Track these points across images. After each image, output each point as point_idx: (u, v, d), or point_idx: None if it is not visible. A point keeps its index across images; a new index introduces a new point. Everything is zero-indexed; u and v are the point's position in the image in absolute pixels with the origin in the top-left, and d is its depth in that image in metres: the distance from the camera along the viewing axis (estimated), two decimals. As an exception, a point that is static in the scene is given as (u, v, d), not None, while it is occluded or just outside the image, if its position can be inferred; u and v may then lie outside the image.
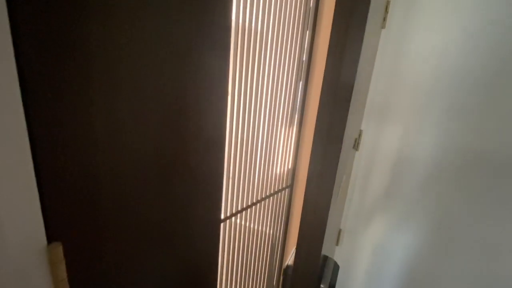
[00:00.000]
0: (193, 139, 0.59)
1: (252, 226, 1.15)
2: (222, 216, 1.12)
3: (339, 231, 1.84)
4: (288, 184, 1.23)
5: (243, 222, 1.24)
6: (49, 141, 0.37)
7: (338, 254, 1.88)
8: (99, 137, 0.42)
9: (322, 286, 0.57)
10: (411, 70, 1.45)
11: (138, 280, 0.56)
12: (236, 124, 0.93)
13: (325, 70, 0.78)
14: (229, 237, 1.11)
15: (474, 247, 1.52)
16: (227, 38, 0.62)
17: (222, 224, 1.10)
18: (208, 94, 0.60)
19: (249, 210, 1.10)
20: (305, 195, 0.72)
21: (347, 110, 0.72)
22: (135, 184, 0.50)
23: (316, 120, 0.75)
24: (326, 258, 0.64)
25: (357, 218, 1.77)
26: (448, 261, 1.56)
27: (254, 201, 1.10)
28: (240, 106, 0.93)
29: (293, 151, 1.20)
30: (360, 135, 1.58)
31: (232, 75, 0.86)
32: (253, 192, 1.09)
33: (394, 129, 1.54)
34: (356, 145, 1.19)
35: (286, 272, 0.62)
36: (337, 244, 1.84)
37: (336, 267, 0.64)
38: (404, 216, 1.60)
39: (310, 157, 0.76)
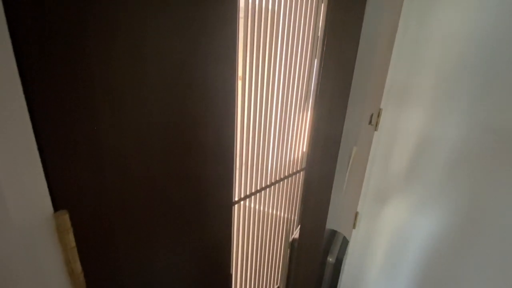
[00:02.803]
0: (203, 119, 0.58)
1: (265, 208, 1.14)
2: (236, 198, 1.12)
3: (356, 214, 1.78)
4: (302, 167, 1.20)
5: (257, 206, 1.23)
6: (51, 107, 0.37)
7: (355, 237, 1.82)
8: (104, 108, 0.42)
9: (329, 259, 0.56)
10: (437, 44, 1.34)
11: (149, 255, 0.56)
12: (248, 105, 0.91)
13: (325, 43, 0.73)
14: (243, 219, 1.11)
15: (508, 239, 1.40)
16: (234, 13, 0.59)
17: (236, 206, 1.10)
18: (216, 74, 0.58)
19: (263, 192, 1.09)
20: (306, 168, 0.70)
21: (349, 85, 0.67)
22: (142, 158, 0.49)
23: (316, 95, 0.71)
24: (334, 233, 0.63)
25: (375, 201, 1.71)
26: (475, 253, 1.47)
27: (268, 183, 1.08)
28: (252, 86, 0.90)
29: (307, 133, 1.16)
30: (379, 114, 1.50)
31: (243, 56, 0.83)
32: (267, 174, 1.07)
33: (418, 108, 1.45)
34: (372, 122, 1.13)
35: (293, 245, 0.62)
36: (354, 227, 1.79)
37: (344, 242, 0.62)
38: (427, 201, 1.52)
39: (312, 129, 0.72)
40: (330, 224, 0.63)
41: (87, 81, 0.39)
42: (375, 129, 1.53)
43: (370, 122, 1.07)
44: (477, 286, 1.48)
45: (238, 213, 1.15)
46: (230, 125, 0.67)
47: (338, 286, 0.56)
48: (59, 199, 0.40)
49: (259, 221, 1.13)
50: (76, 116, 0.40)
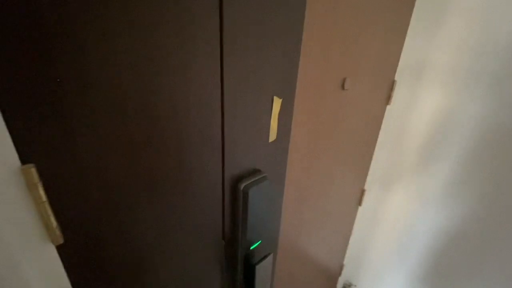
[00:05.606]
0: (184, 104, 0.56)
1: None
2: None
3: (362, 191, 1.72)
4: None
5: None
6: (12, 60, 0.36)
7: (362, 215, 1.76)
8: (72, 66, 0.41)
9: (239, 185, 0.67)
10: (463, 14, 1.20)
11: (132, 217, 0.57)
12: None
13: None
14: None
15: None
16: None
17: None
18: (194, 63, 0.54)
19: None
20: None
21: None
22: (120, 122, 0.48)
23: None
24: (257, 171, 0.74)
25: (386, 179, 1.63)
26: (493, 246, 1.36)
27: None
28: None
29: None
30: (392, 87, 1.40)
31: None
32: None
33: (437, 83, 1.33)
34: (345, 87, 1.07)
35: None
36: (360, 204, 1.73)
37: (261, 178, 0.72)
38: (444, 184, 1.42)
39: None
40: (254, 164, 0.73)
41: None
42: (388, 103, 1.44)
43: (342, 87, 1.04)
44: (492, 276, 1.38)
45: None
46: (215, 113, 0.63)
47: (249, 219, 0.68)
48: (26, 153, 0.40)
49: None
50: (40, 70, 0.39)
